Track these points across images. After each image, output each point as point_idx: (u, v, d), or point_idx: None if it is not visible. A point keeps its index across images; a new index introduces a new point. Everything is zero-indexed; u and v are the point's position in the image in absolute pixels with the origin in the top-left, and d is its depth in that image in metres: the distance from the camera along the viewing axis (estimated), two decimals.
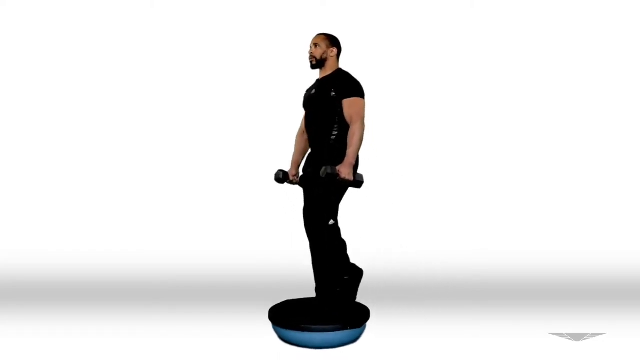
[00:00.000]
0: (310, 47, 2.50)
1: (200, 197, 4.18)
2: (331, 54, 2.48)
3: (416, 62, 4.17)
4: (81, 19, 4.18)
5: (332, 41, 2.50)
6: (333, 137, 2.40)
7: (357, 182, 2.32)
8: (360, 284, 2.56)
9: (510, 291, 3.07)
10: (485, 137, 4.22)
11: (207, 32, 4.21)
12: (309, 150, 2.59)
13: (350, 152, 2.31)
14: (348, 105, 2.36)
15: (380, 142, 3.93)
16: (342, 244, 2.45)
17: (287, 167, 2.70)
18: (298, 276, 3.01)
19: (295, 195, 2.83)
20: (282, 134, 3.97)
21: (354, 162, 2.31)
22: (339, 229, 2.42)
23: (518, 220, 4.07)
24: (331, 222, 2.37)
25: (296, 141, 2.69)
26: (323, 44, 2.48)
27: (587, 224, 4.00)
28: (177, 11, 4.23)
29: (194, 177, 4.20)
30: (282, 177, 2.62)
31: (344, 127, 2.38)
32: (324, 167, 2.26)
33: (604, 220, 4.03)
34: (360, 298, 2.52)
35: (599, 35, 4.15)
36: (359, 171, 2.40)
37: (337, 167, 2.26)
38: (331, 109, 2.39)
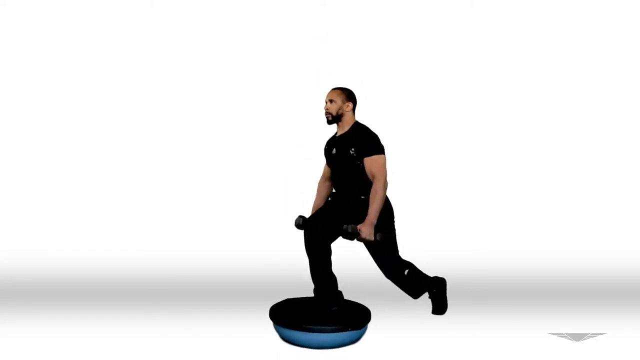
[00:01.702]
0: (326, 102, 2.49)
1: (201, 197, 4.18)
2: (347, 109, 2.48)
3: (416, 62, 4.17)
4: (81, 19, 4.18)
5: (348, 96, 2.49)
6: (363, 198, 2.41)
7: (377, 242, 2.36)
8: (361, 284, 2.57)
9: (510, 291, 3.07)
10: (485, 137, 4.22)
11: (207, 32, 4.21)
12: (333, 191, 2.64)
13: (371, 211, 2.32)
14: (369, 163, 2.38)
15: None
16: (413, 268, 2.62)
17: (284, 173, 2.69)
18: (298, 276, 3.01)
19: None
20: (282, 134, 3.98)
21: (375, 222, 2.32)
22: (408, 263, 2.61)
23: (518, 220, 4.07)
24: (406, 272, 2.57)
25: (318, 188, 2.72)
26: (339, 100, 2.47)
27: (587, 224, 4.01)
28: (177, 11, 4.23)
29: (194, 177, 4.20)
30: (301, 223, 2.59)
31: (368, 184, 2.39)
32: (344, 226, 2.30)
33: (604, 220, 4.03)
34: (361, 298, 2.53)
35: (599, 35, 4.15)
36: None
37: (358, 227, 2.29)
38: (354, 167, 2.42)
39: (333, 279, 2.49)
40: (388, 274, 2.60)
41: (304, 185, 2.88)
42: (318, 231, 2.34)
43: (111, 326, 2.45)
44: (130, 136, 4.24)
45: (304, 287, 2.73)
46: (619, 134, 4.16)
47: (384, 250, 2.53)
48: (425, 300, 2.89)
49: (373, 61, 4.05)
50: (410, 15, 4.19)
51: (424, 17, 4.18)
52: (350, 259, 2.90)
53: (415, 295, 2.67)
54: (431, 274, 2.71)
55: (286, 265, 3.41)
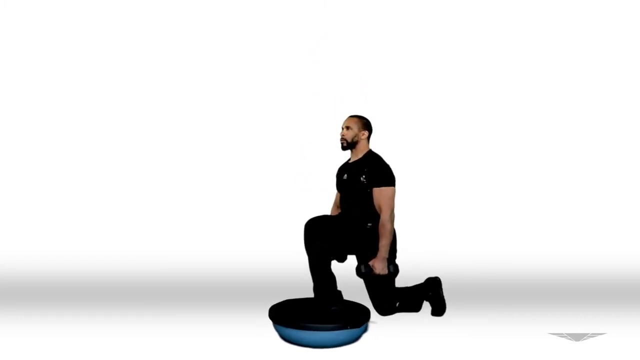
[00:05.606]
0: (342, 128, 2.55)
1: (201, 197, 4.19)
2: (362, 137, 2.53)
3: (417, 62, 4.18)
4: (81, 18, 4.19)
5: (365, 124, 2.56)
6: (369, 226, 2.48)
7: (392, 275, 2.44)
8: (361, 284, 2.57)
9: (511, 291, 3.07)
10: (485, 137, 4.22)
11: (209, 34, 4.22)
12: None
13: (382, 246, 2.39)
14: (378, 194, 2.45)
15: (380, 142, 3.94)
16: (403, 293, 2.59)
17: (284, 174, 2.69)
18: (298, 276, 3.01)
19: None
20: (284, 135, 3.98)
21: (386, 256, 2.40)
22: (398, 292, 2.58)
23: (518, 220, 4.07)
24: (397, 304, 2.55)
25: (331, 214, 2.77)
26: (355, 127, 2.53)
27: (587, 224, 4.01)
28: (178, 13, 4.23)
29: (195, 177, 4.20)
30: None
31: (376, 214, 2.47)
32: (358, 267, 2.41)
33: (604, 220, 4.03)
34: (361, 298, 2.53)
35: (599, 35, 4.15)
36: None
37: (371, 263, 2.38)
38: (363, 194, 2.48)
39: (332, 278, 2.51)
40: (380, 307, 2.54)
41: (304, 185, 2.89)
42: (321, 249, 2.40)
43: (111, 326, 2.45)
44: (131, 137, 4.24)
45: (304, 287, 2.73)
46: (619, 134, 4.16)
47: (386, 283, 2.51)
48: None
49: (375, 62, 4.04)
50: (411, 15, 4.19)
51: (424, 17, 4.19)
52: (350, 259, 2.89)
53: (416, 309, 2.64)
54: (430, 274, 2.71)
55: (286, 265, 3.41)
